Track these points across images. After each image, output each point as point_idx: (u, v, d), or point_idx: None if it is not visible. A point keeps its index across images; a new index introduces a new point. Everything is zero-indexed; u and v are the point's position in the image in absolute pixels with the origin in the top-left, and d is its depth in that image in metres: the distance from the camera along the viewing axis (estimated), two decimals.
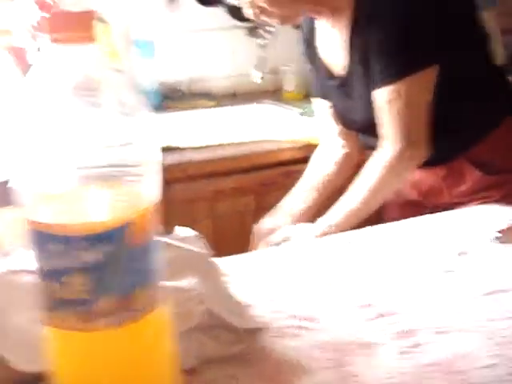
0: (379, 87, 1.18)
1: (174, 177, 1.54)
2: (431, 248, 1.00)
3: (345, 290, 0.87)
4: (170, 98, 2.08)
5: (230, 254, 1.59)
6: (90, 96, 0.52)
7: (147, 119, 0.55)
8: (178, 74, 2.14)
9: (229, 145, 1.61)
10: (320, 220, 1.23)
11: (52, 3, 1.82)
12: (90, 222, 0.52)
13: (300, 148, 1.63)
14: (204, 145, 1.59)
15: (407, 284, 0.88)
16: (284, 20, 1.25)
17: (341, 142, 1.39)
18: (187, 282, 0.73)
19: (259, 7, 1.20)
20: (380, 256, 0.98)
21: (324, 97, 1.38)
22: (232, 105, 2.10)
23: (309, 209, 1.33)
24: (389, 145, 1.20)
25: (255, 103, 2.11)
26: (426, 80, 1.18)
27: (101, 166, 0.51)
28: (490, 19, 1.92)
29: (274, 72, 2.24)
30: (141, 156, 0.54)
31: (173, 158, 1.54)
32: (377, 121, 1.22)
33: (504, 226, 1.04)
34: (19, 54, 1.79)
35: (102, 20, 1.94)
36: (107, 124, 0.53)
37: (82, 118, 0.52)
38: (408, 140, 1.18)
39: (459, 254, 0.97)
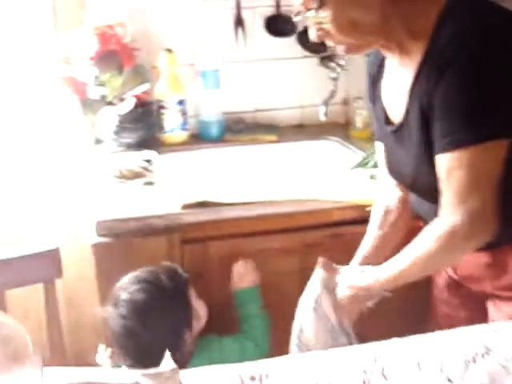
0: (441, 152, 1.06)
1: (216, 234, 1.49)
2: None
3: None
4: (231, 131, 2.02)
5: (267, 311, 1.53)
6: None
7: None
8: (243, 105, 2.07)
9: (273, 202, 1.52)
10: (369, 270, 1.21)
11: (114, 35, 1.80)
12: None
13: (350, 208, 1.53)
14: (245, 201, 1.51)
15: None
16: (349, 48, 1.16)
17: (398, 193, 1.33)
18: None
19: (324, 30, 1.10)
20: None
21: (381, 140, 1.30)
22: (295, 139, 2.01)
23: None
24: (446, 215, 1.08)
25: (320, 139, 2.01)
26: (495, 152, 1.04)
27: None
28: None
29: (344, 103, 2.12)
30: None
31: (212, 215, 1.48)
32: (427, 183, 1.14)
33: None
34: (79, 86, 1.79)
35: (167, 49, 1.91)
36: None
37: None
38: (468, 214, 1.05)
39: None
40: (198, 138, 2.01)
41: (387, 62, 1.22)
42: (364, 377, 0.95)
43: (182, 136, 1.97)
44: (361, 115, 1.99)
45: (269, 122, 2.09)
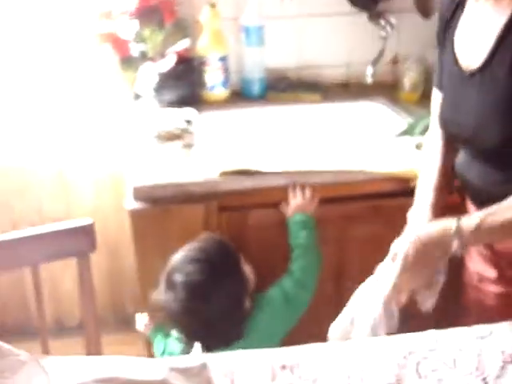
0: None
1: (253, 202, 1.46)
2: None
3: None
4: (274, 89, 1.96)
5: None
6: None
7: None
8: (287, 61, 2.00)
9: (313, 172, 1.48)
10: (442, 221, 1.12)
11: None
12: None
13: (392, 180, 1.48)
14: (283, 170, 1.47)
15: None
16: None
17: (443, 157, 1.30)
18: None
19: None
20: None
21: (443, 87, 1.25)
22: (339, 99, 1.94)
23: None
24: None
25: (366, 100, 1.93)
26: None
27: None
28: None
29: (393, 62, 2.03)
30: None
31: (253, 183, 1.45)
32: (491, 137, 1.10)
33: None
34: (119, 43, 1.75)
35: (210, 3, 1.84)
36: None
37: None
38: None
39: None
40: (240, 95, 1.96)
41: (468, 4, 1.16)
42: (397, 371, 0.93)
43: (224, 94, 1.93)
44: (409, 76, 1.90)
45: (313, 80, 2.01)
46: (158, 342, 1.48)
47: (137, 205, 1.42)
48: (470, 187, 1.25)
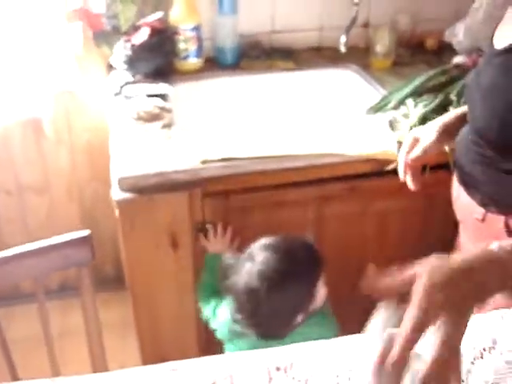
0: None
1: (233, 188, 1.52)
2: None
3: None
4: (248, 56, 1.96)
5: None
6: None
7: None
8: (260, 27, 2.00)
9: (290, 156, 1.53)
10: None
11: None
12: None
13: (366, 162, 1.54)
14: (263, 155, 1.52)
15: None
16: None
17: None
18: None
19: None
20: None
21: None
22: (313, 66, 1.97)
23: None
24: None
25: (339, 67, 1.96)
26: None
27: None
28: None
29: (365, 26, 2.05)
30: None
31: (233, 169, 1.50)
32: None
33: None
34: (91, 19, 1.72)
35: None
36: None
37: None
38: None
39: None
40: (214, 64, 1.97)
41: None
42: None
43: (197, 63, 1.93)
44: (381, 43, 1.93)
45: (286, 46, 2.02)
46: (209, 301, 1.49)
47: (123, 195, 1.46)
48: (458, 168, 1.27)
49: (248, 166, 1.51)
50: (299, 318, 1.30)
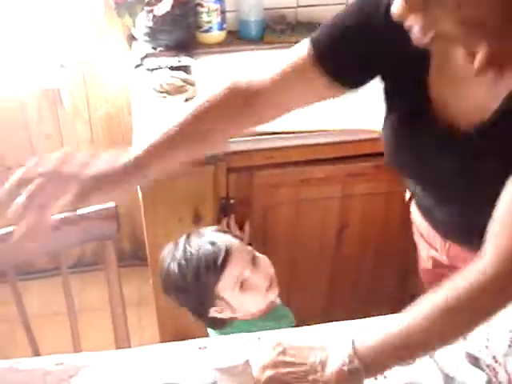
0: None
1: (260, 163, 1.48)
2: None
3: None
4: (272, 30, 1.91)
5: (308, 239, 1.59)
6: None
7: None
8: (285, 1, 1.94)
9: (318, 133, 1.49)
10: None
11: None
12: None
13: None
14: (289, 130, 1.48)
15: None
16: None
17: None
18: None
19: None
20: None
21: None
22: None
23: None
24: (492, 259, 0.82)
25: None
26: None
27: None
28: None
29: None
30: None
31: (259, 144, 1.46)
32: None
33: None
34: None
35: None
36: None
37: None
38: None
39: None
40: (237, 37, 1.92)
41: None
42: None
43: (220, 36, 1.88)
44: None
45: (311, 20, 1.97)
46: None
47: None
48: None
49: (274, 141, 1.47)
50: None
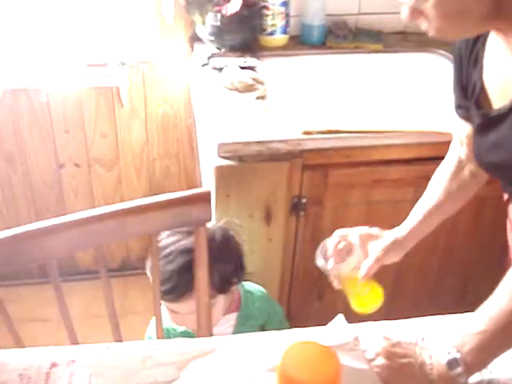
0: None
1: (336, 162, 1.47)
2: None
3: None
4: (333, 36, 1.91)
5: None
6: None
7: None
8: (347, 8, 1.95)
9: (397, 133, 1.48)
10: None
11: None
12: None
13: None
14: (367, 130, 1.46)
15: None
16: (440, 32, 0.86)
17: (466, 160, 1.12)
18: None
19: (421, 12, 0.85)
20: None
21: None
22: (400, 50, 1.91)
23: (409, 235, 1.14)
24: None
25: (427, 51, 1.90)
26: None
27: None
28: None
29: None
30: None
31: (335, 143, 1.45)
32: None
33: None
34: None
35: None
36: None
37: None
38: None
39: None
40: (298, 41, 1.92)
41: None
42: None
43: (283, 39, 1.88)
44: None
45: (371, 28, 1.97)
46: None
47: (222, 162, 1.41)
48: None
49: (350, 139, 1.46)
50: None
